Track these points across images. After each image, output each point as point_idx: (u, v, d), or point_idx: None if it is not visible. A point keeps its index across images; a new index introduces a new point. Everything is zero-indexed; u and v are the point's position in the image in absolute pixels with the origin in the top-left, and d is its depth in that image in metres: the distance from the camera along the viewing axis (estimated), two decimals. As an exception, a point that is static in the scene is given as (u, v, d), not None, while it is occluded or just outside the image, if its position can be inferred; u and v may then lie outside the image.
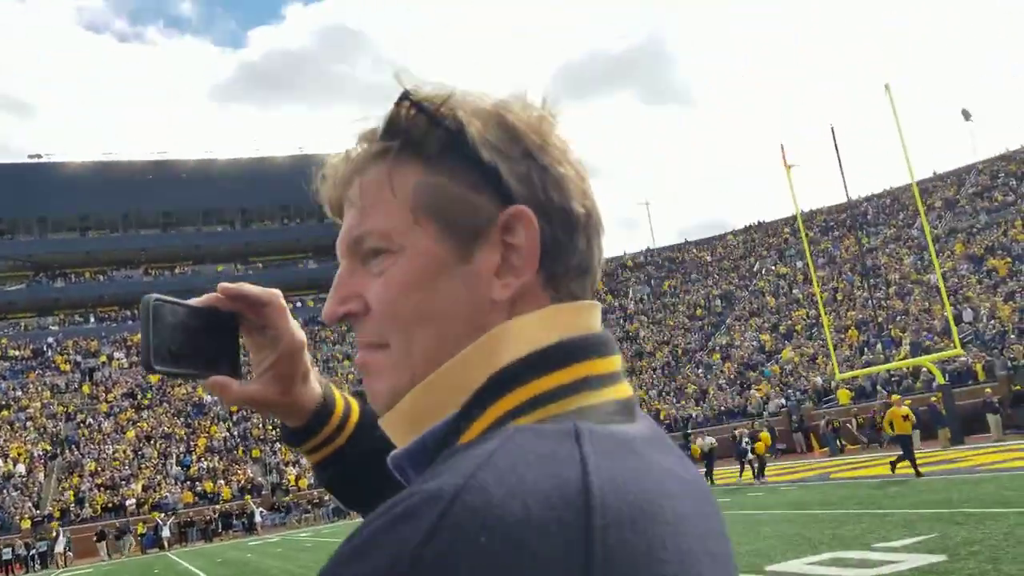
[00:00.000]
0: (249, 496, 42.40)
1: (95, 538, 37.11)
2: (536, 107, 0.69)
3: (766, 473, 23.15)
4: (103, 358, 59.65)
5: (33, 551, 35.57)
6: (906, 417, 18.21)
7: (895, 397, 22.24)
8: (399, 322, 0.66)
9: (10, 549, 35.28)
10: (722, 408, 40.78)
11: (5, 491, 42.62)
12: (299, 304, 69.01)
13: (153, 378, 56.28)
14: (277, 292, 0.94)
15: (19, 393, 54.08)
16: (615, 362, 0.68)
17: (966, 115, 57.98)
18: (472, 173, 0.65)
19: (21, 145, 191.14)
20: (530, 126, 0.67)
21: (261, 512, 40.19)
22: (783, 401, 38.12)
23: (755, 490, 20.69)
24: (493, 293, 0.66)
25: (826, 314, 37.74)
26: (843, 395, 34.63)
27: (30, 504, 41.28)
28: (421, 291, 0.66)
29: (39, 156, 66.70)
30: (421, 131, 0.66)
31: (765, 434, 24.84)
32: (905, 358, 33.18)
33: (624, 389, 0.67)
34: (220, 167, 70.81)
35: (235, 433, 50.25)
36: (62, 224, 66.35)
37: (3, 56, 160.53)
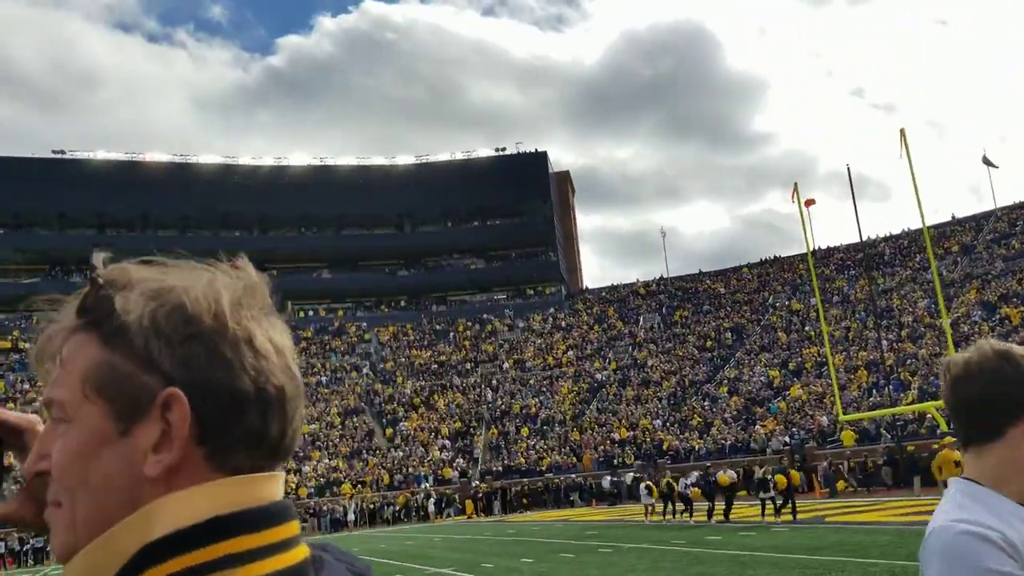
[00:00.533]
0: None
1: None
2: (233, 291, 0.74)
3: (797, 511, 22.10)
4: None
5: (27, 546, 35.68)
6: (957, 463, 16.81)
7: (948, 440, 20.18)
8: (65, 487, 0.71)
9: (2, 544, 35.40)
10: (725, 442, 40.51)
11: (4, 484, 42.76)
12: (311, 313, 69.32)
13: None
14: (35, 419, 0.93)
15: (27, 386, 54.47)
16: (283, 531, 0.72)
17: (988, 162, 57.65)
18: (140, 354, 0.70)
19: (49, 139, 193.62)
20: (208, 310, 0.71)
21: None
22: (787, 439, 37.83)
23: (763, 529, 20.50)
24: (147, 468, 0.69)
25: (836, 353, 37.48)
26: (847, 437, 34.34)
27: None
28: (83, 461, 0.70)
29: (62, 152, 67.53)
30: (103, 312, 0.71)
31: (795, 473, 24.12)
32: (913, 403, 32.88)
33: (293, 556, 0.71)
34: (240, 173, 71.41)
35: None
36: (80, 220, 67.02)
37: (44, 51, 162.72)
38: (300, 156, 78.44)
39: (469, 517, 39.93)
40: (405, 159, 76.01)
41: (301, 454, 48.16)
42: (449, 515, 41.29)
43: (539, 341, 63.75)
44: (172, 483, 0.70)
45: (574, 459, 45.43)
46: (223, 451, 0.71)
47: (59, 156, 67.35)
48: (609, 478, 39.56)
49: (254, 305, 0.75)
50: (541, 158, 76.31)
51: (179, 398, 0.69)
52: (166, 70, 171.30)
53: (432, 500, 41.64)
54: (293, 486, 44.30)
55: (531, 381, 57.86)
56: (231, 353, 0.71)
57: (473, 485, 43.84)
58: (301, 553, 0.73)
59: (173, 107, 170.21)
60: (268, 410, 0.72)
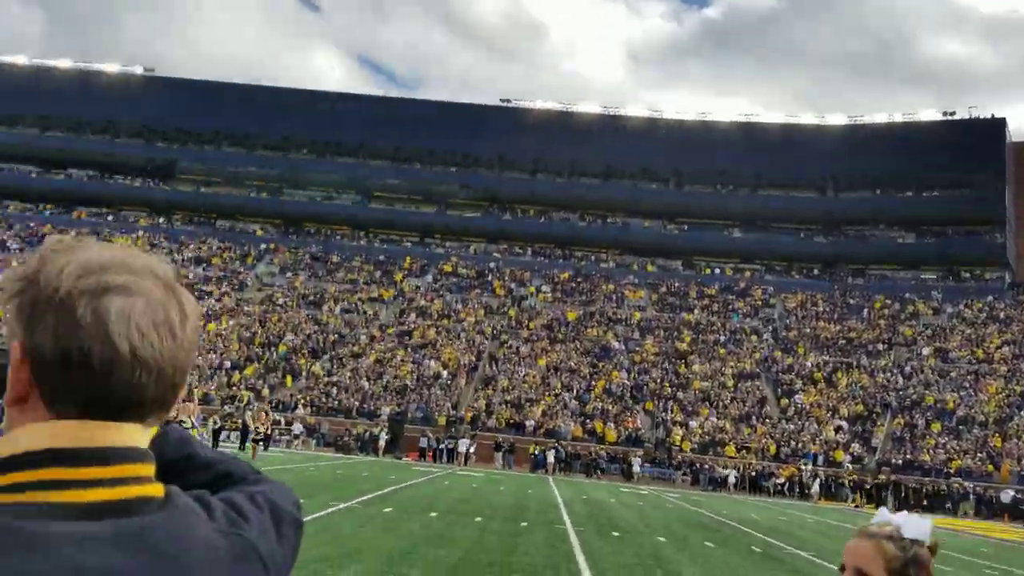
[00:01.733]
0: (632, 446, 43.91)
1: (494, 447, 41.22)
2: (82, 266, 0.87)
3: None
4: (532, 289, 65.28)
5: (443, 445, 40.59)
6: None
7: None
8: None
9: (426, 439, 40.66)
10: None
11: (432, 389, 49.01)
12: (718, 271, 68.84)
13: (570, 315, 60.55)
14: None
15: (459, 307, 61.45)
16: (77, 474, 0.84)
17: None
18: (12, 314, 0.87)
19: (500, 87, 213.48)
20: (54, 286, 0.85)
21: (640, 463, 41.40)
22: None
23: None
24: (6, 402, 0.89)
25: None
26: None
27: (449, 405, 47.04)
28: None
29: (507, 100, 74.08)
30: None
31: None
32: None
33: (99, 494, 0.84)
34: (663, 126, 72.53)
35: (634, 383, 52.04)
36: (517, 164, 73.20)
37: (500, 3, 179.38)
38: (724, 111, 77.44)
39: (857, 507, 37.26)
40: (836, 119, 71.51)
41: (690, 409, 48.56)
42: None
43: (969, 331, 56.82)
44: (24, 418, 0.87)
45: (990, 467, 40.07)
46: (53, 399, 0.85)
47: (504, 104, 73.99)
48: (1013, 492, 34.41)
49: (102, 279, 0.86)
50: (998, 126, 67.00)
51: (14, 348, 0.86)
52: (606, 22, 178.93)
53: (817, 481, 39.49)
54: (678, 438, 44.84)
55: (952, 374, 51.92)
56: (52, 319, 0.84)
57: (866, 472, 40.74)
58: (136, 491, 0.86)
59: (608, 58, 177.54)
60: (84, 370, 0.84)
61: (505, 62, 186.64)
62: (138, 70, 74.27)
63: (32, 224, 68.10)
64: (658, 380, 52.27)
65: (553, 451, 40.18)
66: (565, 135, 70.84)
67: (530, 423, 45.11)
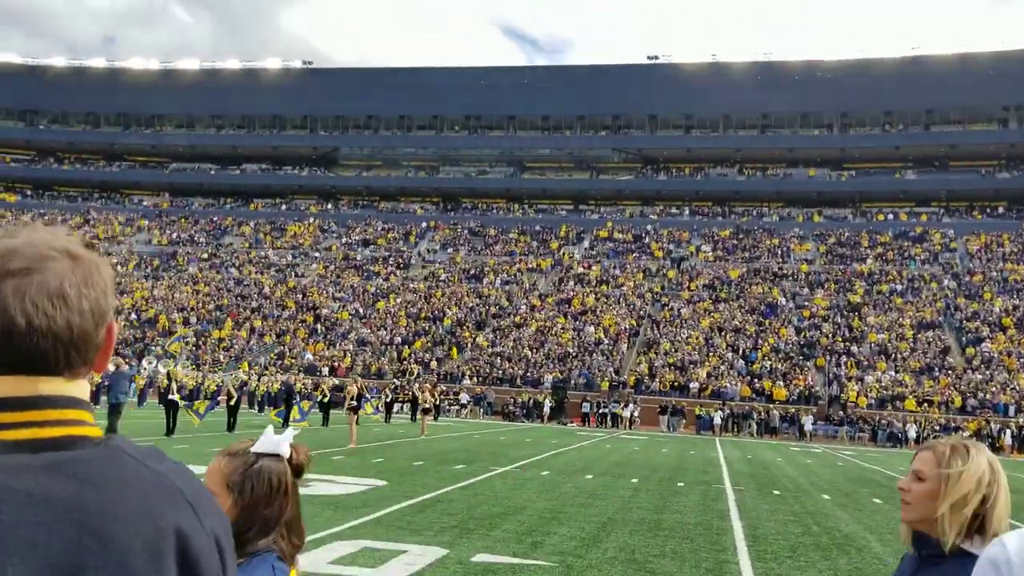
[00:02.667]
0: (804, 404, 42.44)
1: (658, 410, 40.96)
2: (4, 256, 1.02)
3: None
4: (691, 249, 64.03)
5: (606, 410, 40.73)
6: None
7: None
8: None
9: (588, 404, 40.91)
10: None
11: (593, 355, 49.16)
12: (890, 216, 65.14)
13: (733, 273, 59.00)
14: None
15: (617, 272, 61.16)
16: (16, 417, 1.01)
17: None
18: None
19: (644, 45, 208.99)
20: None
21: (812, 421, 40.00)
22: None
23: None
24: None
25: None
26: None
27: (611, 369, 47.06)
28: None
29: (655, 57, 72.47)
30: None
31: None
32: None
33: (31, 432, 1.02)
34: (822, 69, 68.83)
35: (804, 339, 50.22)
36: (669, 122, 71.65)
37: None
38: (886, 49, 72.53)
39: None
40: (1017, 41, 65.52)
41: (865, 363, 46.36)
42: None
43: None
44: None
45: None
46: None
47: (652, 62, 72.45)
48: None
49: (4, 264, 1.02)
50: None
51: None
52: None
53: (1008, 433, 36.82)
54: (853, 394, 42.92)
55: None
56: None
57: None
58: (68, 431, 1.03)
59: (752, 7, 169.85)
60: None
61: (649, 19, 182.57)
62: (297, 64, 77.92)
63: (215, 218, 73.18)
64: (830, 335, 50.17)
65: (719, 412, 39.47)
66: (717, 88, 68.61)
67: (694, 385, 44.46)
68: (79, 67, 78.00)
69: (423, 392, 29.26)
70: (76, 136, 77.15)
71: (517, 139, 74.26)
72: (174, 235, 70.43)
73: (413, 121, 75.26)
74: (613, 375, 46.37)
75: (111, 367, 25.62)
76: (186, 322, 55.21)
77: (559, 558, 8.87)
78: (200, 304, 58.36)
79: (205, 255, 66.88)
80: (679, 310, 54.84)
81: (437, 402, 37.57)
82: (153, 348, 49.75)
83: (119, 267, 64.49)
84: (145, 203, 76.11)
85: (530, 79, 73.29)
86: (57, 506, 0.97)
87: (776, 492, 15.79)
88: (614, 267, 62.07)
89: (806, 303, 54.67)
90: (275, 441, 1.97)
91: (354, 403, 21.75)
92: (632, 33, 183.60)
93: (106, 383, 27.07)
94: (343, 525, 10.12)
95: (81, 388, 1.07)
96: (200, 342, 52.48)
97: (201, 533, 1.07)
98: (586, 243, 66.69)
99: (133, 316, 56.43)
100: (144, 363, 42.72)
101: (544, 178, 74.41)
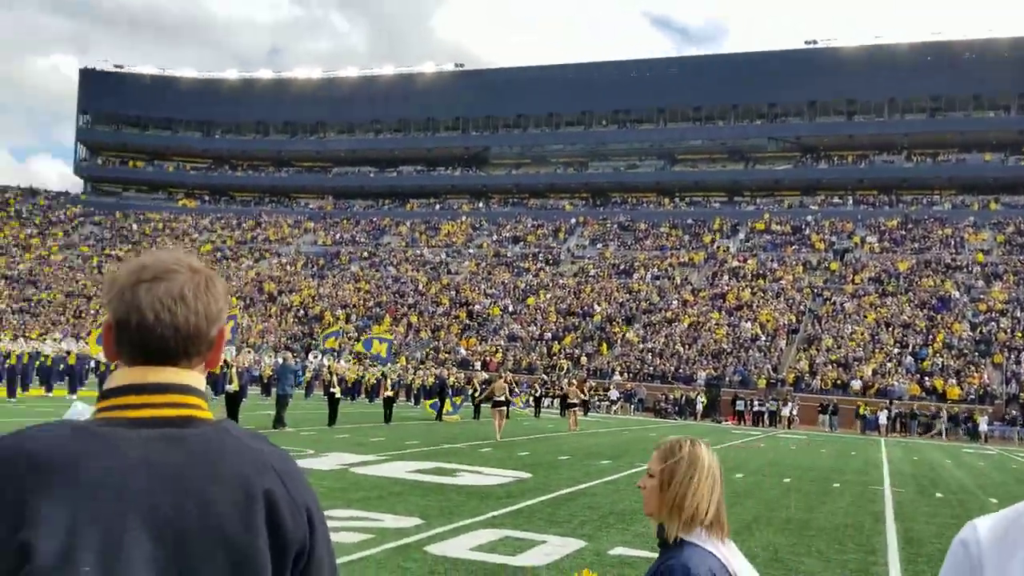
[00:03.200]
0: (979, 403, 39.68)
1: (818, 409, 39.37)
2: (134, 265, 1.34)
3: None
4: (856, 240, 61.09)
5: (763, 408, 39.51)
6: None
7: None
8: None
9: (743, 402, 39.83)
10: None
11: (750, 351, 47.78)
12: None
13: (901, 265, 55.85)
14: None
15: (775, 265, 59.16)
16: (143, 399, 1.29)
17: None
18: None
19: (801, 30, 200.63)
20: (119, 280, 1.33)
21: (988, 421, 37.36)
22: None
23: None
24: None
25: None
26: None
27: (769, 367, 45.59)
28: None
29: (814, 42, 69.52)
30: None
31: None
32: None
33: (154, 412, 1.28)
34: (997, 47, 63.95)
35: (979, 334, 46.97)
36: (829, 108, 68.58)
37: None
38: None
39: None
40: None
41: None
42: None
43: None
44: (120, 367, 1.34)
45: None
46: (123, 353, 1.32)
47: (810, 47, 69.56)
48: None
49: (140, 275, 1.32)
50: None
51: (107, 321, 1.34)
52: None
53: None
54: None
55: None
56: (116, 302, 1.32)
57: None
58: (184, 412, 1.30)
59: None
60: (130, 331, 1.31)
61: (805, 3, 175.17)
62: (449, 67, 79.85)
63: (374, 219, 76.10)
64: (1008, 330, 46.65)
65: (885, 411, 37.50)
66: (881, 71, 65.06)
67: (858, 383, 42.41)
68: (248, 79, 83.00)
69: (571, 388, 29.37)
70: (248, 144, 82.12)
71: (667, 131, 73.16)
72: (337, 235, 73.74)
73: (562, 118, 75.53)
74: (771, 372, 44.92)
75: (279, 360, 27.18)
76: (348, 318, 57.74)
77: (698, 554, 8.71)
78: (361, 301, 60.86)
79: (365, 254, 69.68)
80: (842, 304, 52.45)
81: (586, 398, 37.64)
82: (318, 343, 52.28)
83: (288, 267, 68.22)
84: (311, 206, 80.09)
85: (680, 69, 72.00)
86: (166, 471, 1.23)
87: (939, 495, 14.88)
88: (771, 260, 60.07)
89: (982, 296, 51.08)
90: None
91: (500, 398, 22.09)
92: (787, 18, 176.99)
93: (275, 376, 28.71)
94: (487, 514, 10.34)
95: (195, 378, 1.34)
96: (360, 337, 54.73)
97: (288, 501, 1.29)
98: (741, 235, 64.89)
99: (300, 313, 59.55)
100: (310, 357, 44.96)
101: (696, 170, 72.96)
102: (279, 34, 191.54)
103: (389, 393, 25.86)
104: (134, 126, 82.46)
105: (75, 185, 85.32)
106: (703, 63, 73.51)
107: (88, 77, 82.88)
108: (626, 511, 11.12)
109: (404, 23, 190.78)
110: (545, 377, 44.41)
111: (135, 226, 76.03)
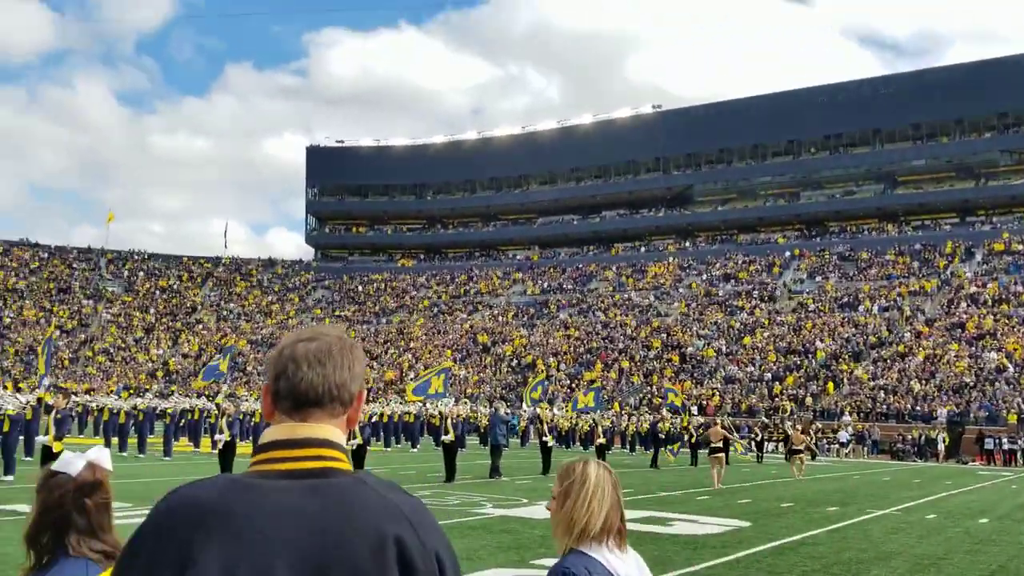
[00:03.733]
0: None
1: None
2: (291, 338, 1.58)
3: None
4: (1115, 255, 54.40)
5: (1016, 446, 35.57)
6: None
7: None
8: None
9: (992, 440, 36.01)
10: None
11: (996, 384, 43.35)
12: None
13: None
14: None
15: (1019, 288, 53.65)
16: (289, 454, 1.48)
17: None
18: None
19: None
20: (281, 343, 1.58)
21: None
22: None
23: None
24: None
25: None
26: None
27: (1020, 401, 41.07)
28: None
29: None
30: None
31: None
32: None
33: (299, 465, 1.47)
34: None
35: None
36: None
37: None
38: None
39: None
40: None
41: None
42: None
43: None
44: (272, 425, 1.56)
45: None
46: (276, 408, 1.54)
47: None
48: None
49: (298, 336, 1.58)
50: None
51: (266, 386, 1.56)
52: None
53: None
54: None
55: None
56: (276, 358, 1.56)
57: None
58: (326, 464, 1.48)
59: None
60: (282, 381, 1.53)
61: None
62: (647, 109, 79.72)
63: (580, 265, 76.75)
64: None
65: None
66: None
67: None
68: (454, 141, 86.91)
69: (795, 432, 27.80)
70: (457, 203, 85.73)
71: (885, 153, 68.80)
72: (545, 284, 74.93)
73: (768, 148, 73.10)
74: (1021, 406, 40.43)
75: (491, 410, 27.70)
76: (559, 366, 58.19)
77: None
78: (571, 348, 61.22)
79: (573, 301, 70.25)
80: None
81: (813, 441, 35.54)
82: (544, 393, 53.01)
83: (499, 317, 70.00)
84: (518, 257, 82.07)
85: (895, 87, 67.76)
86: (309, 518, 1.41)
87: None
88: (1015, 283, 54.56)
89: None
90: (67, 460, 2.21)
91: (717, 444, 21.20)
92: (1003, 19, 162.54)
93: (489, 426, 29.27)
94: (699, 565, 9.86)
95: (337, 434, 1.53)
96: (573, 384, 54.94)
97: (418, 545, 1.45)
98: (978, 258, 59.50)
99: (513, 362, 60.77)
100: (524, 406, 45.62)
101: (920, 191, 67.97)
102: (480, 95, 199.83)
103: (601, 440, 25.62)
104: (356, 195, 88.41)
105: (307, 253, 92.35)
106: (919, 78, 68.76)
107: (314, 154, 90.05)
108: (852, 560, 10.22)
109: (598, 72, 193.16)
110: (766, 420, 42.44)
111: (360, 287, 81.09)
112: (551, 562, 9.43)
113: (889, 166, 68.67)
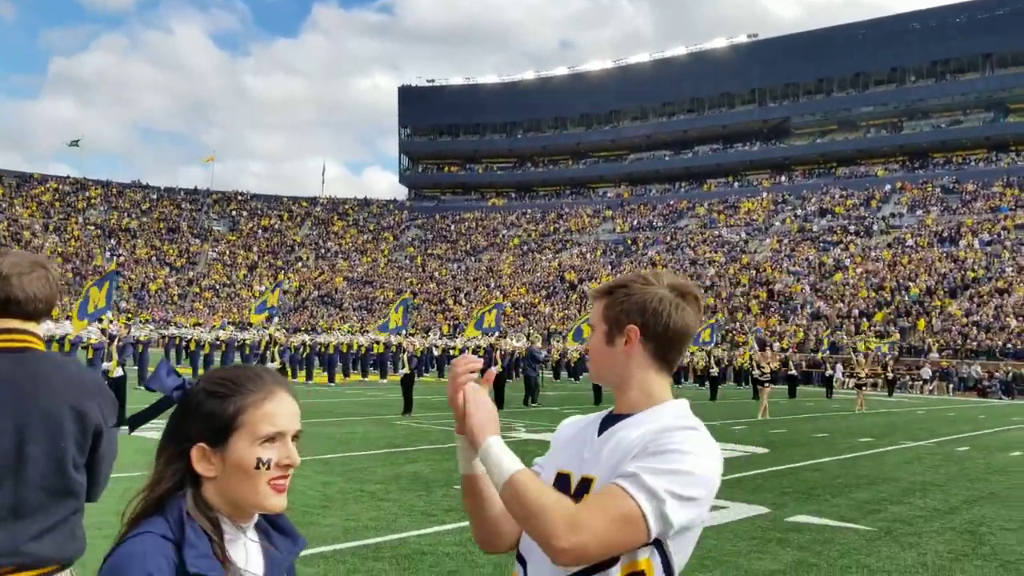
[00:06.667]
0: None
1: None
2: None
3: None
4: None
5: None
6: None
7: None
8: None
9: None
10: None
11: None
12: None
13: None
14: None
15: None
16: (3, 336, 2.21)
17: None
18: None
19: None
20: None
21: None
22: None
23: None
24: None
25: None
26: None
27: (1125, 337, 38.96)
28: None
29: None
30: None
31: None
32: None
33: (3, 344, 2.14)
34: None
35: None
36: None
37: None
38: None
39: None
40: None
41: None
42: None
43: None
44: None
45: None
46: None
47: None
48: None
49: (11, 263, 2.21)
50: None
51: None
52: None
53: None
54: None
55: None
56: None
57: None
58: (24, 345, 2.15)
59: None
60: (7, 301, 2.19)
61: None
62: (743, 38, 77.12)
63: (671, 202, 75.78)
64: None
65: None
66: None
67: None
68: (544, 77, 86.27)
69: (861, 362, 27.40)
70: (547, 140, 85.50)
71: (996, 79, 64.84)
72: (634, 222, 74.44)
73: (869, 77, 69.87)
74: None
75: (527, 344, 28.12)
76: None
77: (885, 525, 8.01)
78: (658, 285, 60.84)
79: (662, 238, 69.63)
80: None
81: (891, 376, 34.90)
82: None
83: (587, 255, 70.09)
84: (608, 194, 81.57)
85: (1008, 7, 63.45)
86: (11, 382, 2.02)
87: None
88: None
89: None
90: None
91: (766, 376, 21.19)
92: None
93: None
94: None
95: (33, 326, 2.14)
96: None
97: (98, 414, 2.07)
98: (1094, 189, 55.99)
99: (599, 299, 60.94)
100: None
101: (1034, 119, 64.03)
102: (569, 28, 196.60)
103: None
104: (447, 134, 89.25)
105: (401, 192, 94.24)
106: (1035, -4, 64.25)
107: (406, 93, 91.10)
108: (843, 484, 10.45)
109: (689, 3, 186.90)
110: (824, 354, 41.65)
111: (452, 226, 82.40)
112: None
113: (999, 93, 64.84)
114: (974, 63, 65.49)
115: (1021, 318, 43.52)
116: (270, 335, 21.32)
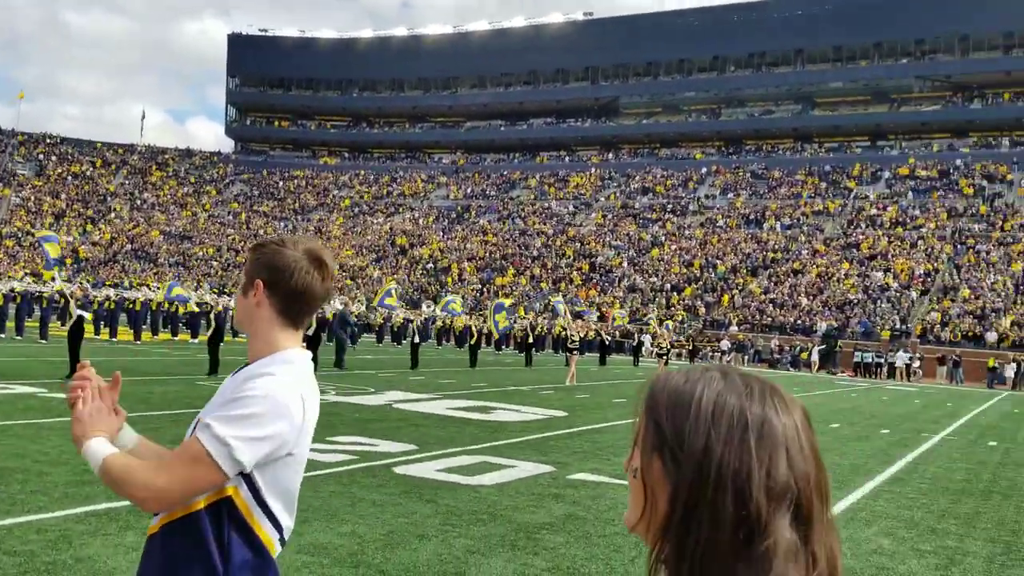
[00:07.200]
0: None
1: (937, 361, 37.40)
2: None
3: None
4: (1012, 182, 56.89)
5: (880, 360, 37.88)
6: None
7: None
8: None
9: (859, 354, 38.29)
10: None
11: (879, 302, 45.67)
12: None
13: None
14: None
15: (916, 212, 55.91)
16: None
17: None
18: None
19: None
20: None
21: None
22: None
23: None
24: None
25: None
26: None
27: (896, 319, 43.48)
28: None
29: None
30: None
31: None
32: None
33: None
34: None
35: None
36: (984, 42, 63.38)
37: None
38: None
39: None
40: None
41: None
42: None
43: None
44: None
45: None
46: None
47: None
48: None
49: None
50: None
51: None
52: None
53: None
54: None
55: None
56: None
57: None
58: None
59: None
60: None
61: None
62: (579, 16, 79.00)
63: (505, 172, 77.00)
64: None
65: (1013, 364, 35.19)
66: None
67: (992, 335, 39.88)
68: (383, 37, 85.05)
69: (661, 332, 29.35)
70: (383, 101, 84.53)
71: (805, 74, 69.84)
72: (468, 189, 75.18)
73: (693, 64, 73.45)
74: (897, 323, 42.86)
75: (339, 308, 28.37)
76: (476, 271, 59.11)
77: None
78: (488, 253, 62.09)
79: (495, 207, 70.79)
80: (987, 253, 49.15)
81: (691, 348, 37.42)
82: (444, 294, 53.96)
83: (420, 221, 70.25)
84: (443, 160, 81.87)
85: (819, 8, 68.31)
86: None
87: (992, 443, 14.14)
88: (913, 207, 56.82)
89: None
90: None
91: (574, 344, 22.38)
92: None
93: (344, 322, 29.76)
94: (487, 443, 10.81)
95: None
96: (485, 289, 56.03)
97: None
98: (883, 182, 61.58)
99: (429, 265, 61.44)
100: (424, 306, 46.61)
101: (836, 114, 69.51)
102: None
103: (472, 341, 26.64)
104: (278, 87, 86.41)
105: (227, 145, 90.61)
106: (844, 1, 69.47)
107: (236, 41, 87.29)
108: (610, 446, 11.30)
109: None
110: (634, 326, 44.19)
111: (280, 183, 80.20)
112: (346, 439, 10.09)
113: (808, 87, 69.81)
114: (787, 57, 70.17)
115: (811, 296, 47.61)
116: (58, 290, 20.33)
